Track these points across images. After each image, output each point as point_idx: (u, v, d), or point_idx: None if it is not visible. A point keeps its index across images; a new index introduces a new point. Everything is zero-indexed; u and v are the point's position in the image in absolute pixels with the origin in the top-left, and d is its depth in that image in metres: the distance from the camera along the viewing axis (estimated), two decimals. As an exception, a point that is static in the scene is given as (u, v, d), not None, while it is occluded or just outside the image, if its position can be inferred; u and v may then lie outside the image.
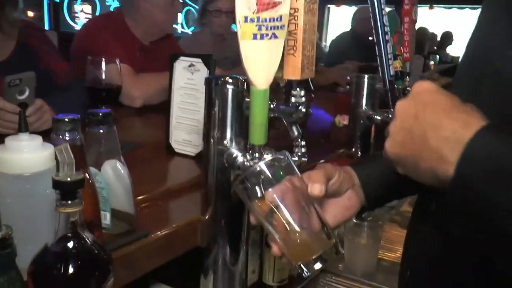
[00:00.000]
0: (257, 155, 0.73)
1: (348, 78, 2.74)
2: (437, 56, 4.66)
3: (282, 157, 0.72)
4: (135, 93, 1.78)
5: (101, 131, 0.76)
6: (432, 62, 4.02)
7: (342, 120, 1.72)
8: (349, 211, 0.82)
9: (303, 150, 0.84)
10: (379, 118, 1.43)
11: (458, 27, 6.52)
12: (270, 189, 0.70)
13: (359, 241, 1.15)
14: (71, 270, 0.58)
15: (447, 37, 6.32)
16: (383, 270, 1.17)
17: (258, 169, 0.70)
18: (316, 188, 0.70)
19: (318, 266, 0.69)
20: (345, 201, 0.81)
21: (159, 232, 0.84)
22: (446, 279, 0.70)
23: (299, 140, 0.81)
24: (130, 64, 1.81)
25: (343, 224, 1.03)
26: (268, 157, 0.76)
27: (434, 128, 0.54)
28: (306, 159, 0.84)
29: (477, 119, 0.53)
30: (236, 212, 0.87)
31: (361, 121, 1.50)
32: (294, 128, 0.79)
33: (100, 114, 0.75)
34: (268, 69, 0.67)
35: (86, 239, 0.60)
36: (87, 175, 0.69)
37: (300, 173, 0.71)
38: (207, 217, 0.88)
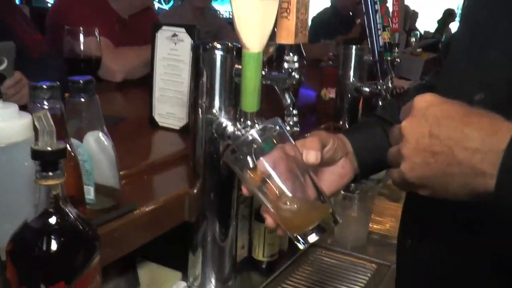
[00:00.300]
0: (249, 123, 0.69)
1: (331, 54, 2.71)
2: (418, 33, 4.66)
3: (273, 125, 0.68)
4: (115, 67, 1.71)
5: (82, 99, 0.71)
6: (413, 39, 4.02)
7: (328, 93, 1.69)
8: (343, 179, 0.79)
9: (295, 119, 0.80)
10: (367, 90, 1.41)
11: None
12: (262, 158, 0.67)
13: (350, 214, 1.13)
14: (53, 247, 0.53)
15: (450, 15, 6.29)
16: (373, 242, 1.15)
17: (250, 137, 0.67)
18: (311, 156, 0.67)
19: (314, 237, 0.66)
20: (339, 169, 0.78)
21: (145, 207, 0.80)
22: (446, 242, 0.69)
23: (291, 108, 0.77)
24: (108, 38, 1.74)
25: (337, 193, 1.01)
26: (259, 125, 0.72)
27: (458, 141, 0.50)
28: (298, 129, 0.81)
29: (500, 122, 0.49)
30: (225, 185, 0.84)
31: (349, 94, 1.47)
32: (286, 96, 0.75)
33: (81, 81, 0.70)
34: (262, 31, 0.63)
35: (70, 214, 0.56)
36: (68, 146, 0.64)
37: (293, 142, 0.68)
38: (195, 190, 0.84)
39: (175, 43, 1.16)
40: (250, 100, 0.67)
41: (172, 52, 1.17)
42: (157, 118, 1.23)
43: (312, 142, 0.70)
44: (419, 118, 0.53)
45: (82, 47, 1.21)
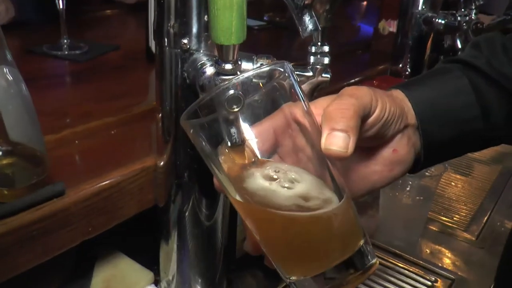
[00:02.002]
0: (228, 66, 0.38)
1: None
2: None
3: (279, 69, 0.37)
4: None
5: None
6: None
7: (388, 26, 1.32)
8: (393, 170, 0.47)
9: (326, 59, 0.48)
10: (441, 21, 1.04)
11: None
12: (250, 129, 0.37)
13: (400, 198, 0.80)
14: None
15: None
16: (430, 237, 0.83)
17: (229, 90, 0.36)
18: (336, 143, 0.35)
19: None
20: (389, 154, 0.46)
21: (84, 188, 0.53)
22: None
23: (317, 39, 0.45)
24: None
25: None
26: (252, 67, 0.41)
27: None
28: (328, 76, 0.49)
29: None
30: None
31: (415, 27, 1.11)
32: (306, 18, 0.43)
33: None
34: None
35: None
36: None
37: (307, 104, 0.37)
38: (162, 163, 0.55)
39: None
40: (225, 22, 0.35)
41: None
42: (154, 49, 0.94)
43: (341, 110, 0.37)
44: None
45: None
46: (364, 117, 0.39)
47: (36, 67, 0.90)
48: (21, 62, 0.51)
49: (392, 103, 0.43)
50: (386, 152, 0.45)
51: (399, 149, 0.45)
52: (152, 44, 0.95)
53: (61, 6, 0.94)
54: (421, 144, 0.47)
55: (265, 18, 1.56)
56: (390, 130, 0.44)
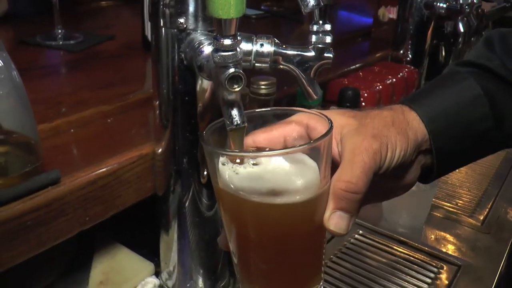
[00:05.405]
0: (228, 41, 0.36)
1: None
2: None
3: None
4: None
5: None
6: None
7: (388, 12, 1.31)
8: (404, 189, 0.47)
9: (328, 38, 0.47)
10: (443, 5, 1.02)
11: None
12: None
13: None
14: None
15: None
16: (434, 224, 0.82)
17: (229, 68, 0.35)
18: (336, 223, 0.37)
19: None
20: (402, 179, 0.45)
21: (80, 175, 0.51)
22: None
23: (318, 17, 0.43)
24: None
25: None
26: (251, 47, 0.40)
27: None
28: (331, 56, 0.48)
29: None
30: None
31: (416, 12, 1.09)
32: (308, -7, 0.41)
33: None
34: None
35: None
36: None
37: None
38: (160, 150, 0.54)
39: None
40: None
41: None
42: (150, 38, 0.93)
43: (347, 193, 0.37)
44: None
45: None
46: (375, 168, 0.39)
47: (30, 57, 0.88)
48: (14, 53, 0.50)
49: (403, 142, 0.42)
50: (398, 178, 0.45)
51: (411, 172, 0.45)
52: (149, 33, 0.93)
53: (54, -3, 0.92)
54: (433, 161, 0.45)
55: (262, 7, 1.54)
56: (403, 168, 0.43)
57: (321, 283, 0.41)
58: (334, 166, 0.39)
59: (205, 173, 0.53)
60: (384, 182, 0.43)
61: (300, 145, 0.35)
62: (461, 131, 0.45)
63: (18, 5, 1.08)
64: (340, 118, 0.41)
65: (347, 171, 0.37)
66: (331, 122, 0.37)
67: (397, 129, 0.42)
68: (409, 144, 0.42)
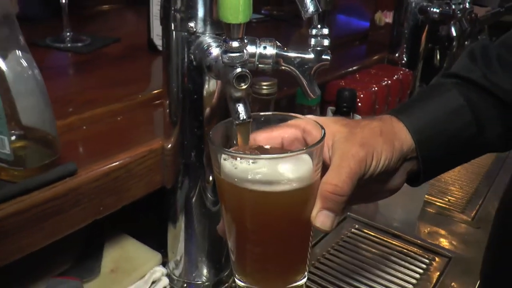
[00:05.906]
0: (236, 44, 0.40)
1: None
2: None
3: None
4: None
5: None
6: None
7: (384, 17, 1.35)
8: (389, 193, 0.52)
9: (326, 41, 0.50)
10: (436, 10, 1.06)
11: None
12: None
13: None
14: None
15: None
16: (427, 219, 0.86)
17: (236, 67, 0.38)
18: (323, 221, 0.42)
19: None
20: (387, 184, 0.51)
21: (95, 168, 0.55)
22: None
23: (317, 21, 0.47)
24: None
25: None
26: (255, 50, 0.44)
27: None
28: (329, 58, 0.51)
29: None
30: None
31: (411, 16, 1.13)
32: (307, 0, 0.45)
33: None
34: None
35: None
36: None
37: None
38: (169, 145, 0.57)
39: None
40: (234, 0, 0.37)
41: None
42: (156, 40, 0.96)
43: (334, 195, 0.42)
44: None
45: None
46: (359, 174, 0.43)
47: (39, 58, 0.91)
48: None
49: (389, 151, 0.46)
50: (384, 185, 0.50)
51: (398, 178, 0.50)
52: (154, 36, 0.97)
53: (63, 0, 0.96)
54: (419, 167, 0.50)
55: (263, 11, 1.58)
56: (387, 175, 0.48)
57: (305, 274, 0.47)
58: (324, 168, 0.43)
59: (212, 166, 0.57)
60: (370, 186, 0.47)
61: (295, 151, 0.41)
62: (446, 139, 0.50)
63: (28, 8, 1.12)
64: (334, 125, 0.46)
65: (334, 175, 0.42)
66: (324, 131, 0.42)
67: (384, 139, 0.46)
68: (393, 154, 0.47)
